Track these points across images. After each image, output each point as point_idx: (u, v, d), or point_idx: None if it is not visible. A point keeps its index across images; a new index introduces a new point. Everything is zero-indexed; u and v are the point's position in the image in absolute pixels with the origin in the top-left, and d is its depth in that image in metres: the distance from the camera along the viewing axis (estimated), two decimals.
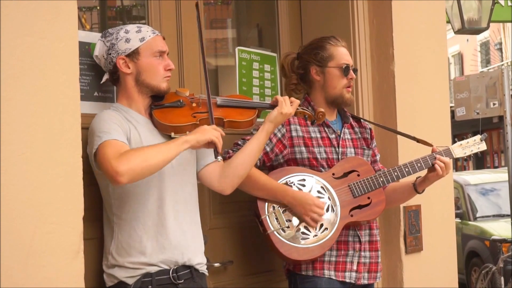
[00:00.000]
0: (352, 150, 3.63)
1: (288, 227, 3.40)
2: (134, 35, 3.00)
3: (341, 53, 3.59)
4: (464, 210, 10.46)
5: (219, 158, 2.95)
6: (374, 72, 4.23)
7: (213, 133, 2.92)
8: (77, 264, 2.47)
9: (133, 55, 2.99)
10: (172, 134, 3.01)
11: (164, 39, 3.09)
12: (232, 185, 3.18)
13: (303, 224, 3.40)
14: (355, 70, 3.63)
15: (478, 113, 8.59)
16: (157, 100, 3.07)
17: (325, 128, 3.58)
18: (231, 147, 3.43)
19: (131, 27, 3.03)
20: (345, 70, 3.55)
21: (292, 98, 3.23)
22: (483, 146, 3.70)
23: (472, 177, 11.54)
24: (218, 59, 4.44)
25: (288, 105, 3.18)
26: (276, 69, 4.14)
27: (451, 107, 5.69)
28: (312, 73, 3.61)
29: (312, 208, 3.38)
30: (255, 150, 3.16)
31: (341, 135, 3.62)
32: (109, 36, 3.02)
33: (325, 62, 3.57)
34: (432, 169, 3.53)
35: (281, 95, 4.10)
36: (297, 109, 3.24)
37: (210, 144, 2.93)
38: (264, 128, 3.17)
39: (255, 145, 3.16)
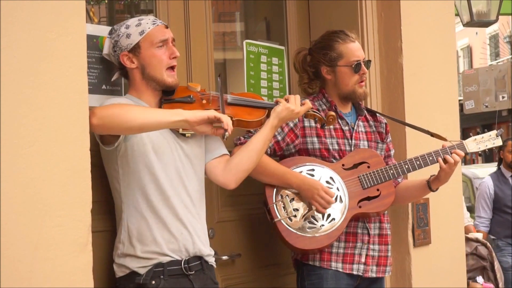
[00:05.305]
0: (366, 143, 3.63)
1: (295, 216, 3.41)
2: (134, 30, 2.99)
3: (350, 50, 3.56)
4: (472, 203, 10.43)
5: (227, 134, 2.84)
6: (382, 65, 4.23)
7: (214, 112, 2.85)
8: (85, 257, 2.48)
9: (135, 49, 2.99)
10: (181, 130, 3.00)
11: (167, 27, 3.05)
12: (235, 179, 3.15)
13: (311, 213, 3.41)
14: (368, 63, 3.63)
15: (487, 106, 8.59)
16: (168, 95, 3.07)
17: (339, 120, 3.57)
18: (243, 134, 3.43)
19: (132, 21, 3.02)
20: (355, 68, 3.54)
21: (305, 100, 3.21)
22: (498, 142, 3.65)
23: (481, 170, 11.50)
24: (226, 52, 4.44)
25: (296, 103, 3.15)
26: (284, 63, 4.14)
27: (459, 100, 5.69)
28: (323, 72, 3.61)
29: (320, 193, 3.38)
30: (259, 145, 3.13)
31: (355, 128, 3.62)
32: (114, 33, 3.04)
33: (335, 61, 3.56)
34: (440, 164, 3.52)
35: (289, 88, 4.13)
36: (308, 111, 3.22)
37: (213, 122, 2.84)
38: (269, 122, 3.14)
39: (260, 139, 3.14)
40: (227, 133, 2.83)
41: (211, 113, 2.83)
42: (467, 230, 6.78)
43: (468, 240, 5.94)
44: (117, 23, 3.07)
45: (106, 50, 3.07)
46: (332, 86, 3.61)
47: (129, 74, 3.05)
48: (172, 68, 3.04)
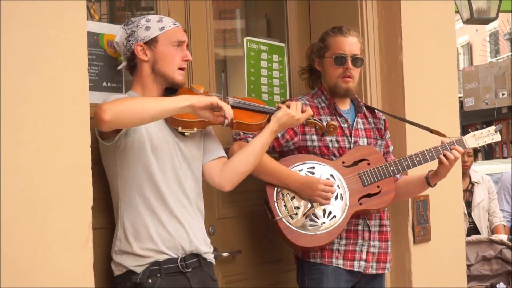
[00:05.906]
0: (365, 140, 3.63)
1: (296, 214, 3.41)
2: (154, 24, 3.04)
3: (337, 43, 3.57)
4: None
5: (226, 121, 2.86)
6: (382, 62, 4.23)
7: (217, 99, 2.87)
8: (86, 253, 2.48)
9: (151, 43, 3.03)
10: (180, 129, 3.01)
11: (185, 31, 3.12)
12: (231, 182, 3.16)
13: (312, 211, 3.41)
14: (357, 60, 3.59)
15: (487, 103, 8.59)
16: (171, 93, 3.08)
17: (338, 117, 3.58)
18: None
19: (153, 17, 3.08)
20: (335, 60, 3.55)
21: (307, 108, 3.21)
22: (497, 137, 3.66)
23: (480, 167, 11.49)
24: (226, 49, 4.44)
25: (297, 110, 3.15)
26: (284, 60, 4.14)
27: (459, 97, 5.68)
28: (316, 64, 3.65)
29: (319, 186, 3.38)
30: (258, 148, 3.14)
31: (354, 125, 3.62)
32: (130, 24, 3.07)
33: (322, 52, 3.61)
34: (439, 161, 3.52)
35: (289, 85, 4.14)
36: (309, 119, 3.22)
37: (215, 108, 2.85)
38: (269, 127, 3.14)
39: (259, 143, 3.14)
40: (226, 121, 2.86)
41: (214, 99, 2.84)
42: (496, 230, 6.60)
43: (492, 242, 5.75)
44: (118, 21, 3.09)
45: (118, 38, 3.10)
46: (323, 79, 3.65)
47: (137, 66, 3.07)
48: (182, 69, 3.08)
